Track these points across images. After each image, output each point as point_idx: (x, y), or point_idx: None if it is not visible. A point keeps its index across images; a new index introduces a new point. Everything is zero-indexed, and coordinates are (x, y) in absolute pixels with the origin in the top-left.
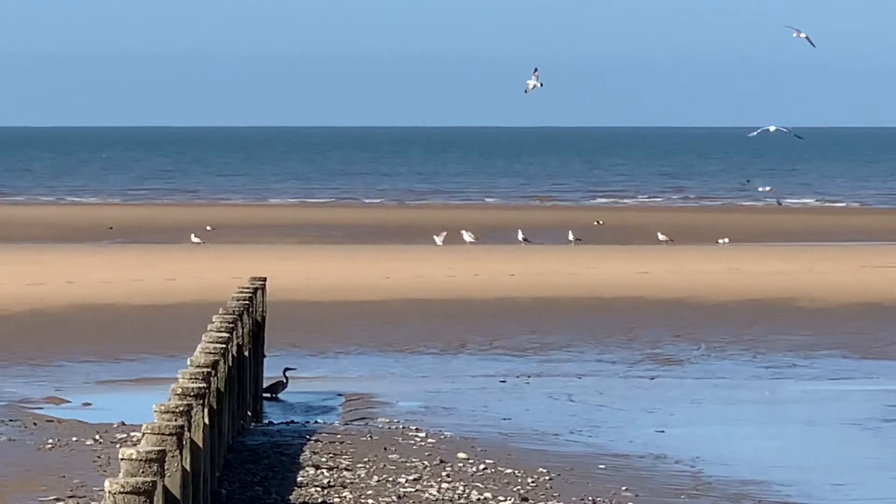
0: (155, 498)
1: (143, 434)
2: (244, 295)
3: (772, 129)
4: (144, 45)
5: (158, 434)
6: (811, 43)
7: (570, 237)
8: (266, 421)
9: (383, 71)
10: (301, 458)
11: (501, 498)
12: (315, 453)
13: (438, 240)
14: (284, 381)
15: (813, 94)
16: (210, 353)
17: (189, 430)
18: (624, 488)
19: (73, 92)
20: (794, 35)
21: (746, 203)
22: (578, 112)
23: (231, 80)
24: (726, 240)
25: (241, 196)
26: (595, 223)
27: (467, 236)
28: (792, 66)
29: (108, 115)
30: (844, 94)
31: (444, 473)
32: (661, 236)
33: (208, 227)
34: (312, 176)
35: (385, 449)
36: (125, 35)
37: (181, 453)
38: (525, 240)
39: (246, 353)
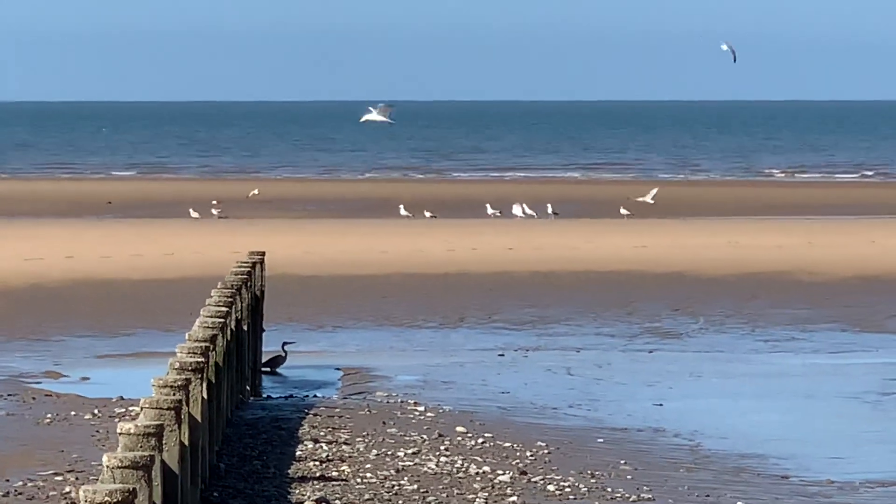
0: (153, 472)
1: (142, 408)
2: (243, 269)
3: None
4: (150, 21)
5: (157, 408)
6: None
7: (549, 210)
8: (265, 395)
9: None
10: (300, 432)
11: (500, 471)
12: (314, 427)
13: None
14: (283, 355)
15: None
16: (209, 327)
17: (187, 405)
18: (623, 462)
19: (61, 68)
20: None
21: (746, 178)
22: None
23: (224, 56)
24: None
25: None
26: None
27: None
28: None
29: (108, 91)
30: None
31: (442, 447)
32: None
33: (214, 202)
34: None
35: (384, 423)
36: (132, 12)
37: (179, 428)
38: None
39: (244, 328)
